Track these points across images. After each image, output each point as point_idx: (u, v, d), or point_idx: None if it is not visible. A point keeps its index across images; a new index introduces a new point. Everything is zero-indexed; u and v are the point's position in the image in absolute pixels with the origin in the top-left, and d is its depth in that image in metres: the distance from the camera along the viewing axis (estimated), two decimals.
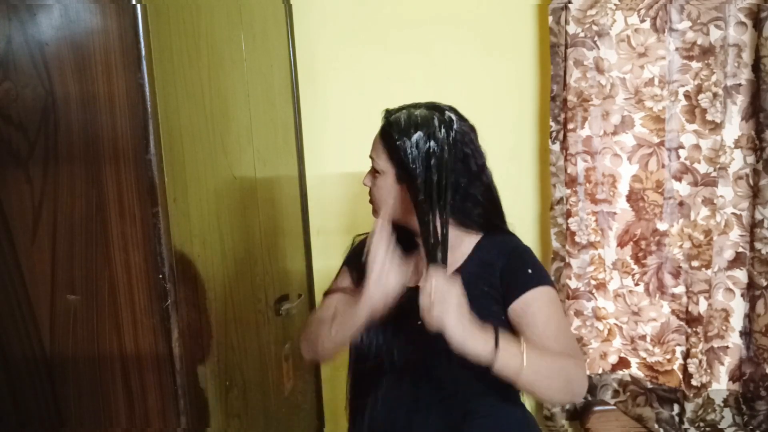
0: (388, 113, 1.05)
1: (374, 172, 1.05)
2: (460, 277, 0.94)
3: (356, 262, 1.07)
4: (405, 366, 1.02)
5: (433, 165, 0.97)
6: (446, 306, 0.85)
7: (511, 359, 0.87)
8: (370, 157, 1.05)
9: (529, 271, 1.00)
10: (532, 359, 0.88)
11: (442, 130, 0.98)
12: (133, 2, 0.80)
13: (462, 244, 1.04)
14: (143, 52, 0.81)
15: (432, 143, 0.97)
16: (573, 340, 1.02)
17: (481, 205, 1.03)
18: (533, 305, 0.97)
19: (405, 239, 1.08)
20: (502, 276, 1.00)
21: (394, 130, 1.00)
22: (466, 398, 1.00)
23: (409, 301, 0.96)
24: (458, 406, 1.00)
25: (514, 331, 0.98)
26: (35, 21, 0.82)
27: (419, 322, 0.91)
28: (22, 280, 0.88)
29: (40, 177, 0.85)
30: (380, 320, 0.95)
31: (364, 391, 1.08)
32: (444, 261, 0.94)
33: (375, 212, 1.07)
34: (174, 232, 0.87)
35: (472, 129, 1.04)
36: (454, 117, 1.01)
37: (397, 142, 0.99)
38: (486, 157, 1.05)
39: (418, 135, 0.98)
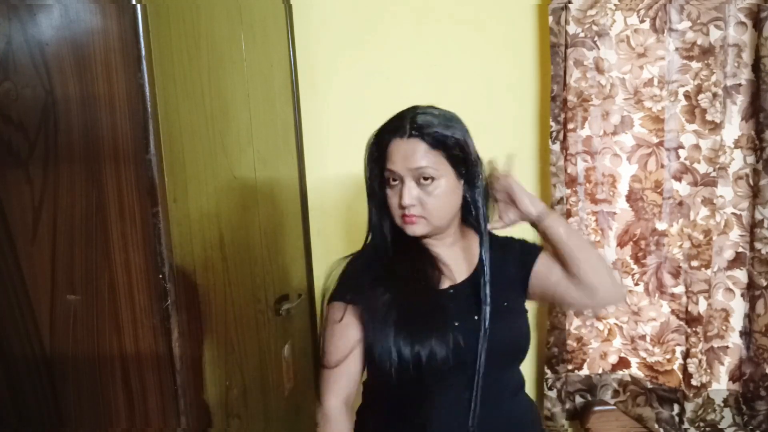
0: (399, 125, 0.98)
1: (420, 185, 0.98)
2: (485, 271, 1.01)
3: (353, 293, 1.01)
4: (456, 368, 0.97)
5: (478, 164, 1.02)
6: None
7: (561, 220, 1.05)
8: (410, 170, 0.97)
9: (527, 242, 1.13)
10: (578, 233, 1.05)
11: (463, 124, 1.03)
12: (133, 2, 0.80)
13: (472, 245, 1.08)
14: (143, 52, 0.81)
15: (470, 139, 1.02)
16: None
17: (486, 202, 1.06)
18: (548, 257, 1.08)
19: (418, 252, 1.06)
20: (517, 261, 1.09)
21: (443, 131, 0.97)
22: (498, 391, 1.04)
23: (441, 302, 1.01)
24: (492, 399, 1.03)
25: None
26: (35, 21, 0.82)
27: (456, 323, 0.98)
28: (22, 280, 0.88)
29: (40, 177, 0.85)
30: (408, 325, 0.95)
31: (409, 402, 1.01)
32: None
33: (424, 225, 1.00)
34: (174, 232, 0.87)
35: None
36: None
37: (455, 138, 0.98)
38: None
39: (460, 132, 1.00)
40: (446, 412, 1.00)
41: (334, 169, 1.71)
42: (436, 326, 0.96)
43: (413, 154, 0.97)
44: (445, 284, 1.04)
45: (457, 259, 1.07)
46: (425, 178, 0.97)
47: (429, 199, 0.98)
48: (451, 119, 1.01)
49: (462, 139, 0.99)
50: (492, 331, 0.98)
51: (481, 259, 1.01)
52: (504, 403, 1.05)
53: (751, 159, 1.56)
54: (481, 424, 0.99)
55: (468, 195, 1.02)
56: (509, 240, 1.14)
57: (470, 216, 1.06)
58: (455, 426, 0.99)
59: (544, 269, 1.07)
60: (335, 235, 1.74)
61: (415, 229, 1.00)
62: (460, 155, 0.99)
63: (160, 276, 0.86)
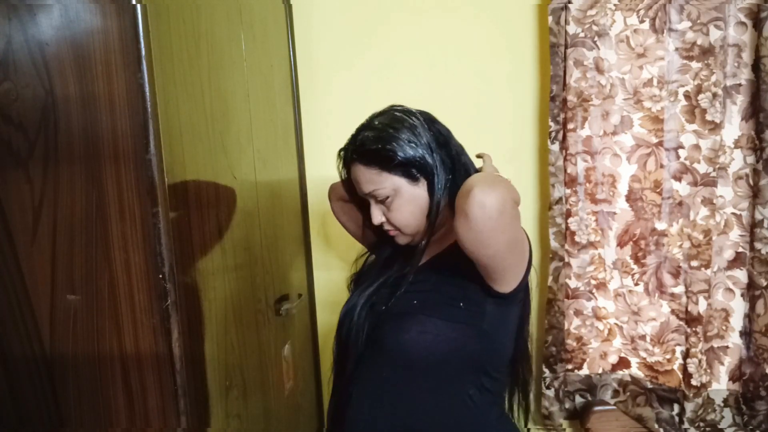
0: (346, 148, 1.01)
1: (380, 203, 0.99)
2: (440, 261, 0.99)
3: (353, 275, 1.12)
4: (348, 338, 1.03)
5: (436, 156, 0.96)
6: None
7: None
8: (366, 195, 0.99)
9: None
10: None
11: (414, 119, 0.97)
12: (133, 2, 0.80)
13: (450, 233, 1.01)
14: (143, 52, 0.81)
15: (420, 134, 0.96)
16: None
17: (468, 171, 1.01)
18: None
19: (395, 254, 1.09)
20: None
21: (376, 145, 0.95)
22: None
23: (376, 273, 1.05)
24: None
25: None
26: (35, 21, 0.82)
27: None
28: (22, 280, 0.88)
29: (40, 177, 0.85)
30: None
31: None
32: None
33: (402, 236, 1.02)
34: (174, 232, 0.87)
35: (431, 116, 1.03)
36: (407, 108, 1.01)
37: (389, 148, 0.94)
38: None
39: (401, 133, 0.95)
40: (339, 384, 1.07)
41: (334, 169, 1.70)
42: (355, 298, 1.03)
43: (360, 180, 0.99)
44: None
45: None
46: (384, 198, 0.97)
47: (392, 214, 0.98)
48: (385, 128, 0.96)
49: (395, 144, 0.94)
50: (381, 319, 0.97)
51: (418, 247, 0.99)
52: (378, 402, 0.98)
53: (751, 159, 1.56)
54: (351, 411, 1.00)
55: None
56: None
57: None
58: (340, 402, 1.04)
59: None
60: (335, 235, 1.74)
61: (401, 240, 1.03)
62: (401, 161, 0.94)
63: (160, 276, 0.86)
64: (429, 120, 1.00)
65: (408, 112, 1.00)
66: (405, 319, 0.94)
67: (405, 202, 0.97)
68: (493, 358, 0.97)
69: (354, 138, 1.00)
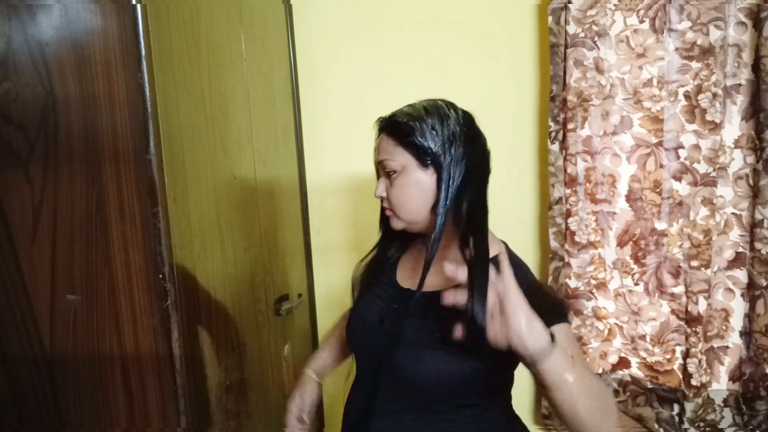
0: (381, 120, 1.00)
1: (387, 175, 0.97)
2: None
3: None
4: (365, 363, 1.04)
5: (453, 151, 0.92)
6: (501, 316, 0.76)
7: (563, 359, 0.75)
8: (378, 163, 0.99)
9: (544, 306, 0.84)
10: (581, 369, 0.77)
11: (452, 111, 0.95)
12: (133, 2, 0.80)
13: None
14: (143, 52, 0.81)
15: (448, 126, 0.93)
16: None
17: (485, 209, 0.95)
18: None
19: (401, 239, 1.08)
20: None
21: (402, 119, 0.95)
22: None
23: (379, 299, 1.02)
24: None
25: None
26: (35, 21, 0.82)
27: (437, 335, 0.90)
28: (22, 280, 0.88)
29: (40, 177, 0.85)
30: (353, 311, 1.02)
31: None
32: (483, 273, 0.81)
33: (396, 219, 0.99)
34: (174, 232, 0.87)
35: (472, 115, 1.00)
36: (453, 103, 0.99)
37: (411, 124, 0.93)
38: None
39: (431, 118, 0.94)
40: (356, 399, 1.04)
41: (334, 169, 1.71)
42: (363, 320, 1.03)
43: (380, 147, 0.99)
44: (406, 284, 1.03)
45: (435, 265, 0.95)
46: (391, 172, 0.96)
47: (393, 191, 0.97)
48: (422, 108, 0.95)
49: (418, 124, 0.93)
50: (394, 341, 0.94)
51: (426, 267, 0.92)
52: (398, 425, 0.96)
53: (751, 159, 1.56)
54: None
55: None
56: (519, 269, 0.93)
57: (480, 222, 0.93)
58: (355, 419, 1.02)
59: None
60: (335, 235, 1.74)
61: (395, 224, 1.00)
62: (417, 142, 0.92)
63: (160, 276, 0.86)
64: (468, 121, 0.97)
65: (451, 105, 0.98)
66: (424, 352, 0.92)
67: (408, 183, 0.95)
68: (509, 382, 1.00)
69: (392, 113, 1.00)
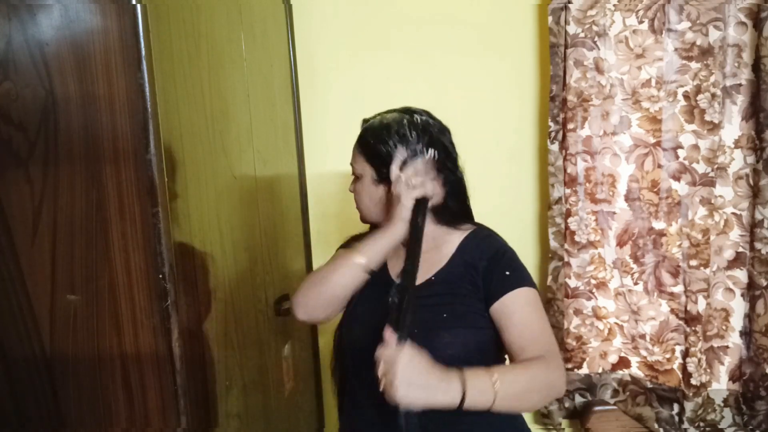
0: (365, 121, 1.10)
1: (355, 178, 1.09)
2: (444, 277, 1.02)
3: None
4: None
5: (407, 165, 1.00)
6: (397, 379, 0.80)
7: (481, 396, 0.84)
8: (351, 165, 1.09)
9: (507, 273, 1.00)
10: (506, 385, 0.86)
11: (413, 131, 1.02)
12: (133, 2, 0.80)
13: (445, 244, 1.06)
14: (143, 52, 0.81)
15: (408, 144, 1.01)
16: (552, 339, 1.00)
17: (460, 202, 1.08)
18: (511, 306, 0.98)
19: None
20: (484, 278, 1.01)
21: (368, 135, 1.05)
22: None
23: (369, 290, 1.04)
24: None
25: (497, 330, 1.00)
26: (35, 21, 0.82)
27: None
28: (22, 280, 0.88)
29: (40, 177, 0.85)
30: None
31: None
32: (402, 328, 0.86)
33: (362, 218, 1.11)
34: (174, 232, 0.87)
35: (446, 129, 1.08)
36: (426, 118, 1.05)
37: (372, 143, 1.04)
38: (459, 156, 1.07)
39: (391, 136, 1.02)
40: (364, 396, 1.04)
41: (334, 168, 1.71)
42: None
43: (353, 154, 1.09)
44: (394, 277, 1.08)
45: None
46: (357, 177, 1.07)
47: (356, 195, 1.09)
48: (390, 126, 1.03)
49: (375, 140, 1.03)
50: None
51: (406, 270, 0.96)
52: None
53: (751, 159, 1.56)
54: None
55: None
56: (496, 251, 1.03)
57: (452, 216, 1.07)
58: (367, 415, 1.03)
59: (499, 316, 0.99)
60: (335, 235, 1.74)
61: (360, 218, 1.12)
62: (374, 154, 1.03)
63: (160, 276, 0.86)
64: (437, 140, 1.04)
65: (412, 123, 1.04)
66: (440, 333, 0.97)
67: (363, 190, 1.07)
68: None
69: (367, 120, 1.10)
